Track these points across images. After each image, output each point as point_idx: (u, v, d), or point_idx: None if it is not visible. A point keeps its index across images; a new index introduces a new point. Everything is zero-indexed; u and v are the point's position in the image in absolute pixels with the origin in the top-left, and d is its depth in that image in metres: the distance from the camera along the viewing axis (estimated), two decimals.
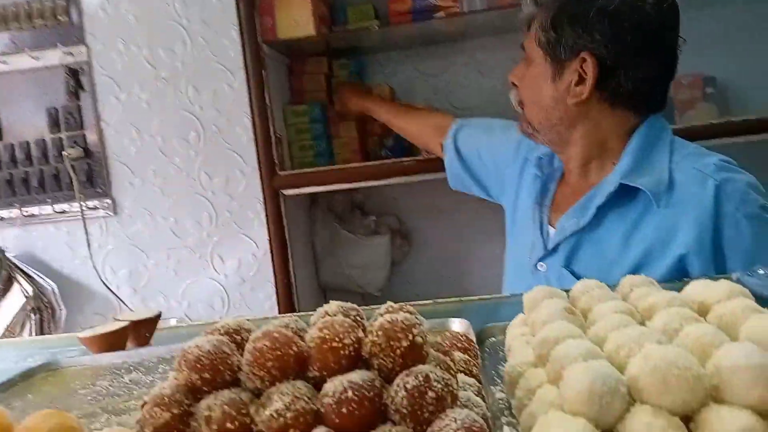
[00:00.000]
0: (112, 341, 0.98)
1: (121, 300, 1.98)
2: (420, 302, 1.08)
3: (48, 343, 1.21)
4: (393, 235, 2.33)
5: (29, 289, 1.89)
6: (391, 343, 0.53)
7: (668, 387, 0.46)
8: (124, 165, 2.00)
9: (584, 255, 1.16)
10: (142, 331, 1.05)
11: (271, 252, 1.94)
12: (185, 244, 1.99)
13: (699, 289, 0.65)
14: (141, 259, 2.01)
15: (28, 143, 2.03)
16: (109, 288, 1.95)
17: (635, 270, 1.07)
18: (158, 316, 1.07)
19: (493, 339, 0.85)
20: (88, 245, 1.96)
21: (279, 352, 0.54)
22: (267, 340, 0.54)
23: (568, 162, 1.26)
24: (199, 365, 0.54)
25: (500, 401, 0.64)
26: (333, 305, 0.60)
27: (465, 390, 0.58)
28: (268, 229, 1.93)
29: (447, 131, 1.58)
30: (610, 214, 1.14)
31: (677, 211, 1.08)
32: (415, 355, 0.53)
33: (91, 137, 1.99)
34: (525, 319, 0.74)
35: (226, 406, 0.52)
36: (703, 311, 0.62)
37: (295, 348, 0.54)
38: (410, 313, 0.57)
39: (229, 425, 0.51)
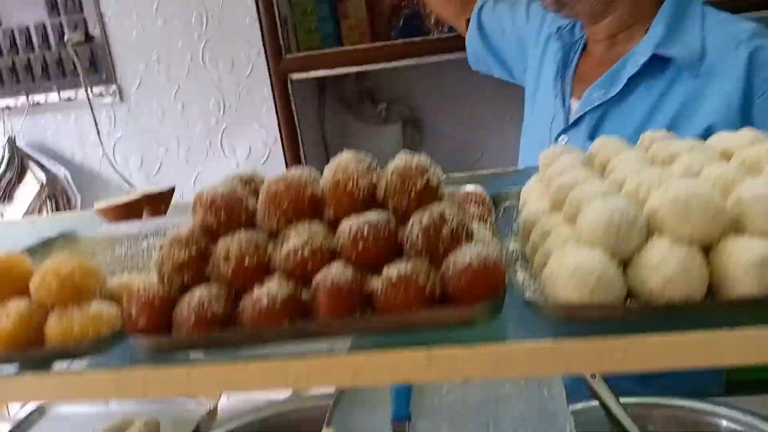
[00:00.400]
0: (128, 212, 0.99)
1: (133, 187, 1.99)
2: None
3: (65, 219, 1.23)
4: (404, 124, 2.30)
5: (42, 177, 1.90)
6: (406, 184, 0.52)
7: (688, 217, 0.46)
8: (126, 49, 1.95)
9: (609, 126, 1.13)
10: (158, 204, 1.05)
11: (282, 140, 1.92)
12: (194, 131, 1.97)
13: (722, 138, 0.64)
14: (151, 147, 2.00)
15: (27, 28, 1.97)
16: (122, 176, 1.95)
17: None
18: (173, 190, 1.08)
19: (508, 203, 0.85)
20: (98, 133, 1.94)
21: (294, 194, 0.53)
22: (282, 182, 0.54)
23: (597, 33, 1.20)
24: (214, 207, 0.54)
25: (514, 252, 0.65)
26: (346, 155, 0.59)
27: (482, 232, 0.57)
28: (278, 116, 1.90)
29: (472, 5, 1.50)
30: (640, 85, 1.11)
31: (707, 80, 1.04)
32: (429, 196, 0.52)
33: (92, 21, 1.93)
34: (541, 177, 0.73)
35: (244, 244, 0.52)
36: (726, 157, 0.60)
37: (309, 190, 0.54)
38: None
39: (247, 261, 0.51)
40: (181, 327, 0.51)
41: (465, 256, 0.48)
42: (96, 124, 1.94)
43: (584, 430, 0.99)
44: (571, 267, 0.46)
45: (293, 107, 1.88)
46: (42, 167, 1.93)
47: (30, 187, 1.92)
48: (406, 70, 2.07)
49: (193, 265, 0.53)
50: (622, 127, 1.12)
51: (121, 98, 1.97)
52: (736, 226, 0.47)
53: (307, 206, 0.53)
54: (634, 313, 0.45)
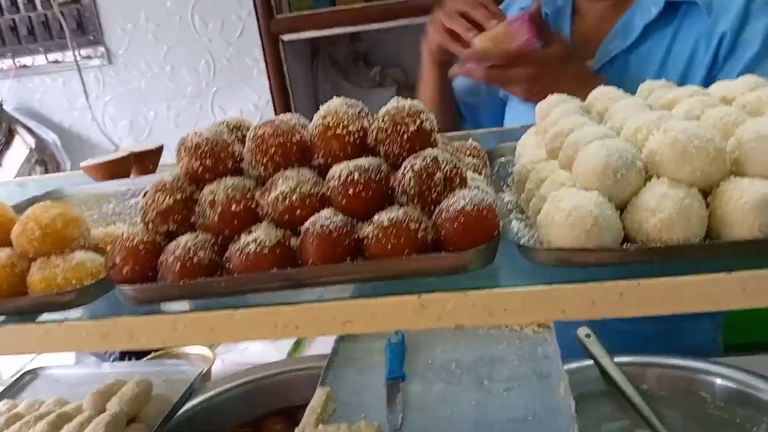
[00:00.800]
0: (116, 170, 0.97)
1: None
2: None
3: (53, 179, 1.21)
4: (399, 88, 2.27)
5: (31, 142, 1.87)
6: (398, 128, 0.50)
7: (688, 158, 0.44)
8: (114, 10, 1.90)
9: (629, 77, 1.11)
10: (146, 163, 1.03)
11: (273, 103, 1.90)
12: (184, 94, 1.93)
13: (723, 85, 0.62)
14: (140, 111, 1.97)
15: None
16: (111, 140, 1.93)
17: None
18: (161, 149, 1.05)
19: (503, 158, 0.83)
20: (86, 96, 1.91)
21: (281, 139, 0.51)
22: (269, 126, 0.52)
23: None
24: (199, 151, 0.52)
25: (509, 203, 0.63)
26: (337, 100, 0.57)
27: (476, 180, 0.56)
28: (269, 78, 1.86)
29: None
30: (654, 31, 1.10)
31: (716, 15, 1.05)
32: (422, 140, 0.51)
33: None
34: (537, 129, 0.72)
35: (230, 190, 0.51)
36: (727, 102, 0.58)
37: (298, 136, 0.52)
38: None
39: (233, 207, 0.50)
40: (167, 275, 0.50)
41: (458, 201, 0.46)
42: (84, 87, 1.90)
43: (579, 388, 1.00)
44: (567, 210, 0.44)
45: (285, 69, 1.85)
46: (30, 132, 1.90)
47: (18, 152, 1.89)
48: (401, 33, 2.04)
49: (179, 212, 0.52)
50: (643, 74, 1.11)
51: (109, 60, 1.93)
52: (737, 169, 0.46)
53: (295, 151, 0.52)
54: (630, 256, 0.44)
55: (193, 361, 1.27)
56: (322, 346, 1.42)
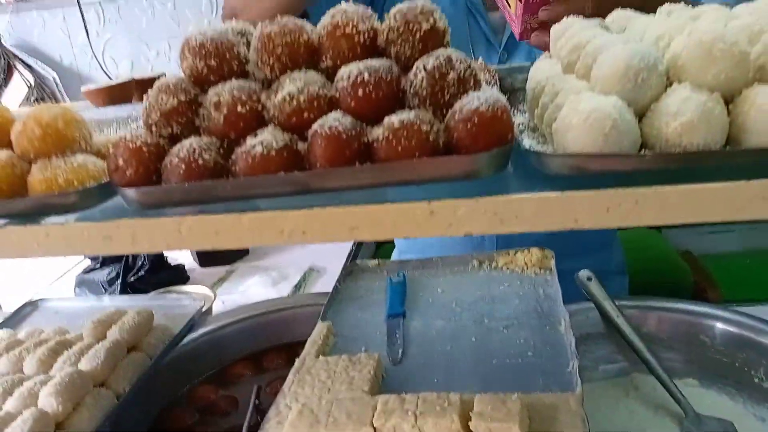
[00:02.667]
0: (117, 95, 0.95)
1: None
2: None
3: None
4: None
5: (30, 79, 1.84)
6: (410, 26, 0.48)
7: (711, 61, 0.43)
8: None
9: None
10: (148, 90, 1.01)
11: None
12: (186, 32, 1.89)
13: (745, 6, 0.60)
14: (142, 50, 1.93)
15: None
16: (111, 79, 1.89)
17: None
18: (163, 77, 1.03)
19: (512, 86, 0.81)
20: (87, 33, 1.87)
21: (289, 38, 0.50)
22: (276, 26, 0.50)
23: None
24: (203, 51, 0.51)
25: (521, 125, 0.62)
26: (346, 3, 0.55)
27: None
28: None
29: None
30: None
31: None
32: (435, 40, 0.49)
33: None
34: (551, 54, 0.69)
35: (236, 91, 0.49)
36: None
37: (305, 36, 0.50)
38: None
39: (239, 109, 0.48)
40: (171, 177, 0.49)
41: (472, 101, 0.45)
42: (84, 23, 1.86)
43: (578, 330, 1.00)
44: (586, 113, 0.43)
45: None
46: (30, 68, 1.87)
47: (18, 89, 1.86)
48: None
49: (183, 113, 0.50)
50: None
51: None
52: (761, 77, 0.44)
53: (303, 52, 0.50)
54: (648, 162, 0.42)
55: (196, 296, 1.28)
56: (323, 287, 1.43)
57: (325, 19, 0.50)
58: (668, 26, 0.49)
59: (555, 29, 0.69)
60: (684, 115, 0.42)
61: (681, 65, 0.44)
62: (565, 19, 0.68)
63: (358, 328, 0.96)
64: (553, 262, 1.03)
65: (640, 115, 0.45)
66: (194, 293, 1.39)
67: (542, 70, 0.63)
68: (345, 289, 1.08)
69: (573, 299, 0.98)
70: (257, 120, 0.49)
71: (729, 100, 0.44)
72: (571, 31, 0.61)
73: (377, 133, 0.46)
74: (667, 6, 0.67)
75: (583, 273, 1.02)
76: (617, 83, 0.44)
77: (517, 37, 0.87)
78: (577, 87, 0.48)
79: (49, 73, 1.88)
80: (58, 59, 1.98)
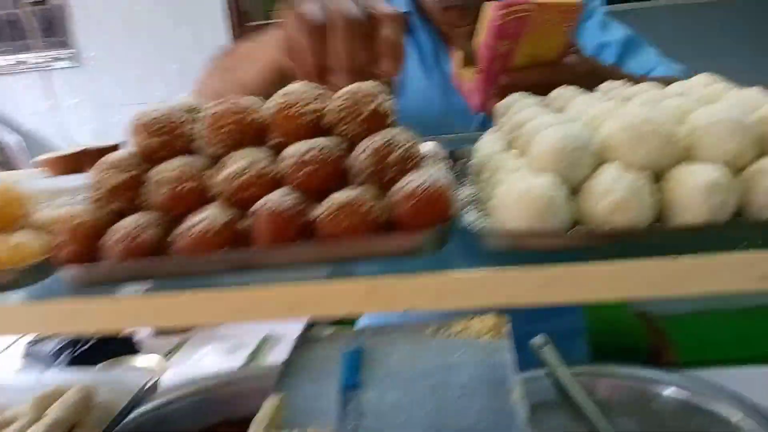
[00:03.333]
0: (72, 165, 0.95)
1: None
2: None
3: (9, 175, 1.17)
4: None
5: None
6: (355, 108, 0.50)
7: (640, 142, 0.45)
8: (85, 11, 1.87)
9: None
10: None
11: None
12: (154, 98, 1.90)
13: (679, 84, 0.63)
14: (108, 115, 1.93)
15: None
16: (78, 144, 1.88)
17: None
18: (117, 146, 1.03)
19: (464, 159, 0.83)
20: (52, 98, 1.86)
21: (237, 117, 0.51)
22: (225, 105, 0.51)
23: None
24: (151, 129, 0.51)
25: (466, 197, 0.63)
26: (298, 83, 0.56)
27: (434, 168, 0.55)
28: None
29: None
30: None
31: None
32: (379, 121, 0.50)
33: None
34: (496, 128, 0.72)
35: (181, 169, 0.49)
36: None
37: (254, 114, 0.51)
38: None
39: (183, 187, 0.49)
40: (110, 255, 0.48)
41: (413, 181, 0.46)
42: (50, 89, 1.85)
43: (533, 398, 0.99)
44: (520, 192, 0.44)
45: None
46: None
47: None
48: None
49: (129, 190, 0.50)
50: None
51: (79, 62, 1.89)
52: (689, 155, 0.46)
53: (251, 131, 0.51)
54: (581, 239, 0.44)
55: (144, 370, 1.24)
56: (278, 357, 1.39)
57: (275, 99, 0.52)
58: (602, 107, 0.51)
59: (498, 106, 0.72)
60: (614, 194, 0.43)
61: (612, 146, 0.46)
62: (509, 96, 0.71)
63: (310, 401, 0.94)
64: (508, 328, 1.04)
65: (574, 193, 0.46)
66: (144, 365, 1.35)
67: (487, 145, 0.65)
68: (298, 360, 1.05)
69: (533, 363, 0.99)
70: (202, 197, 0.49)
71: (658, 179, 0.46)
72: (513, 108, 0.64)
73: (320, 210, 0.47)
74: (607, 84, 0.71)
75: (538, 339, 1.02)
76: (552, 162, 0.46)
77: (476, 108, 0.90)
78: (515, 165, 0.50)
79: (12, 138, 1.85)
80: (22, 123, 1.97)
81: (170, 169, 0.49)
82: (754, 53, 2.18)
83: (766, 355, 1.25)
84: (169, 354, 1.48)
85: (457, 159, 0.81)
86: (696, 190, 0.43)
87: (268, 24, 1.84)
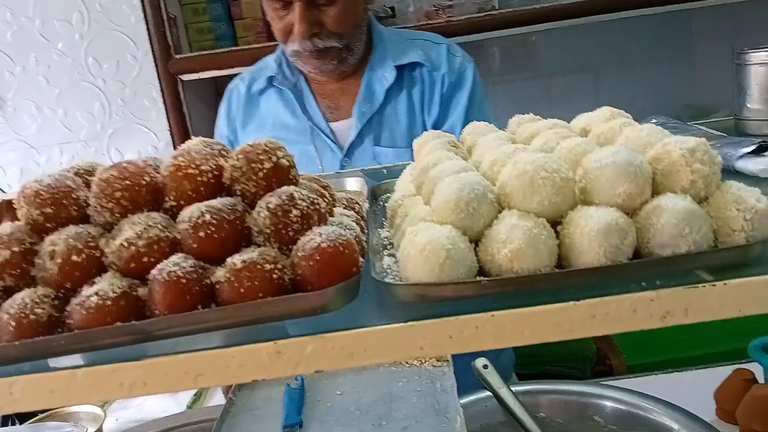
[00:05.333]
0: None
1: None
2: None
3: None
4: None
5: None
6: (253, 165, 0.49)
7: (535, 189, 0.45)
8: (1, 52, 1.80)
9: (386, 129, 1.34)
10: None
11: (174, 144, 1.84)
12: (78, 137, 1.85)
13: (583, 117, 0.64)
14: (32, 156, 1.86)
15: None
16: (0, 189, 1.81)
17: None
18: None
19: (388, 195, 0.83)
20: None
21: (129, 182, 0.49)
22: (115, 170, 0.49)
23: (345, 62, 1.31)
24: (39, 200, 0.49)
25: (385, 239, 0.63)
26: (195, 140, 0.55)
27: (343, 217, 0.55)
28: (168, 118, 1.81)
29: None
30: (393, 91, 1.33)
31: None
32: (279, 178, 0.49)
33: None
34: (414, 165, 0.72)
35: (71, 240, 0.47)
36: (585, 133, 0.61)
37: (147, 177, 0.49)
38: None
39: (75, 258, 0.46)
40: (2, 335, 0.46)
41: (315, 238, 0.45)
42: None
43: (479, 420, 0.99)
44: (422, 244, 0.44)
45: (185, 110, 1.80)
46: None
47: None
48: None
49: (17, 265, 0.48)
50: (397, 126, 1.34)
51: None
52: (584, 198, 0.47)
53: (144, 194, 0.49)
54: (483, 288, 0.43)
55: (82, 421, 1.19)
56: (223, 397, 1.36)
57: (168, 161, 0.50)
58: (500, 152, 0.51)
59: (416, 142, 0.72)
60: (512, 242, 0.43)
61: (509, 192, 0.46)
62: (425, 133, 0.71)
63: None
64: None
65: (476, 241, 0.46)
66: (83, 413, 1.29)
67: (402, 185, 0.65)
68: (240, 400, 1.03)
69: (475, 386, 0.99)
70: (95, 268, 0.47)
71: (558, 222, 0.46)
72: (425, 149, 0.63)
73: (219, 274, 0.45)
74: (516, 118, 0.71)
75: (479, 361, 1.02)
76: (450, 213, 0.45)
77: None
78: (421, 213, 0.50)
79: None
80: None
81: (59, 241, 0.47)
82: (670, 64, 2.29)
83: (713, 356, 1.28)
84: (109, 401, 1.43)
85: (378, 197, 0.81)
86: (591, 234, 0.43)
87: (196, 57, 1.82)
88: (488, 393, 1.00)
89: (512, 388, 0.98)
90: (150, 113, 1.82)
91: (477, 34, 1.80)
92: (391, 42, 1.37)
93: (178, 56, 1.77)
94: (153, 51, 1.76)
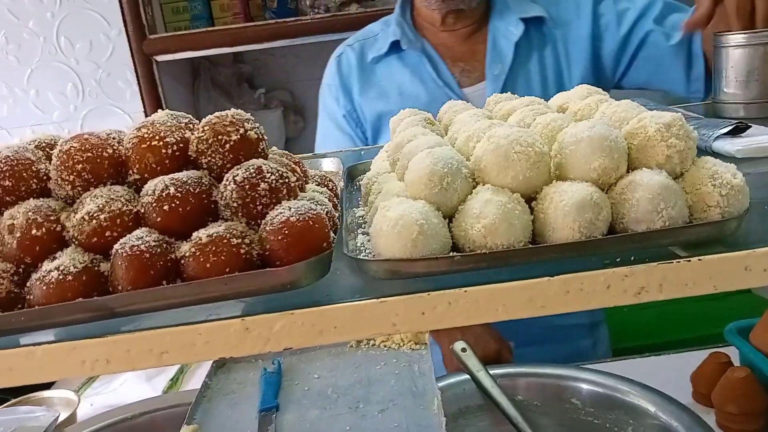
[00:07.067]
0: None
1: None
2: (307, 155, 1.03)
3: None
4: (285, 111, 2.23)
5: None
6: (220, 137, 0.47)
7: (510, 164, 0.44)
8: None
9: (520, 89, 1.21)
10: None
11: None
12: (51, 119, 1.80)
13: (561, 95, 0.64)
14: (2, 138, 1.81)
15: None
16: None
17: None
18: None
19: (361, 177, 0.82)
20: None
21: (90, 154, 0.47)
22: (76, 142, 0.47)
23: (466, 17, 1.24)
24: None
25: (360, 218, 0.61)
26: (161, 113, 0.53)
27: (315, 194, 0.53)
28: (143, 100, 1.77)
29: None
30: (522, 47, 1.23)
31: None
32: (247, 150, 0.48)
33: None
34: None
35: (31, 213, 0.45)
36: (562, 111, 0.60)
37: (109, 150, 0.48)
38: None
39: (35, 232, 0.45)
40: None
41: (283, 212, 0.44)
42: None
43: (457, 403, 0.99)
44: (394, 219, 0.43)
45: (160, 91, 1.77)
46: None
47: None
48: (286, 54, 2.01)
49: None
50: (530, 87, 1.23)
51: None
52: (559, 173, 0.46)
53: (107, 167, 0.47)
54: (456, 264, 0.42)
55: (55, 406, 1.16)
56: (200, 380, 1.34)
57: (132, 132, 0.48)
58: (476, 128, 0.50)
59: (392, 120, 0.70)
60: (486, 218, 0.42)
61: (483, 167, 0.45)
62: (402, 111, 0.70)
63: (227, 427, 0.90)
64: (427, 336, 1.03)
65: (450, 216, 0.45)
66: (57, 398, 1.27)
67: (377, 163, 0.64)
68: (216, 384, 1.02)
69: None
70: (56, 242, 0.45)
71: (532, 199, 0.45)
72: (400, 126, 0.62)
73: (185, 249, 0.44)
74: (494, 97, 0.70)
75: (458, 344, 1.02)
76: (424, 188, 0.44)
77: None
78: (395, 189, 0.49)
79: None
80: None
81: (19, 215, 0.45)
82: None
83: (690, 341, 1.29)
84: (84, 385, 1.40)
85: (355, 177, 0.79)
86: (566, 209, 0.42)
87: (171, 37, 1.78)
88: (466, 376, 1.00)
89: (490, 371, 0.98)
90: (124, 94, 1.78)
91: None
92: None
93: (152, 36, 1.73)
94: (127, 30, 1.72)
